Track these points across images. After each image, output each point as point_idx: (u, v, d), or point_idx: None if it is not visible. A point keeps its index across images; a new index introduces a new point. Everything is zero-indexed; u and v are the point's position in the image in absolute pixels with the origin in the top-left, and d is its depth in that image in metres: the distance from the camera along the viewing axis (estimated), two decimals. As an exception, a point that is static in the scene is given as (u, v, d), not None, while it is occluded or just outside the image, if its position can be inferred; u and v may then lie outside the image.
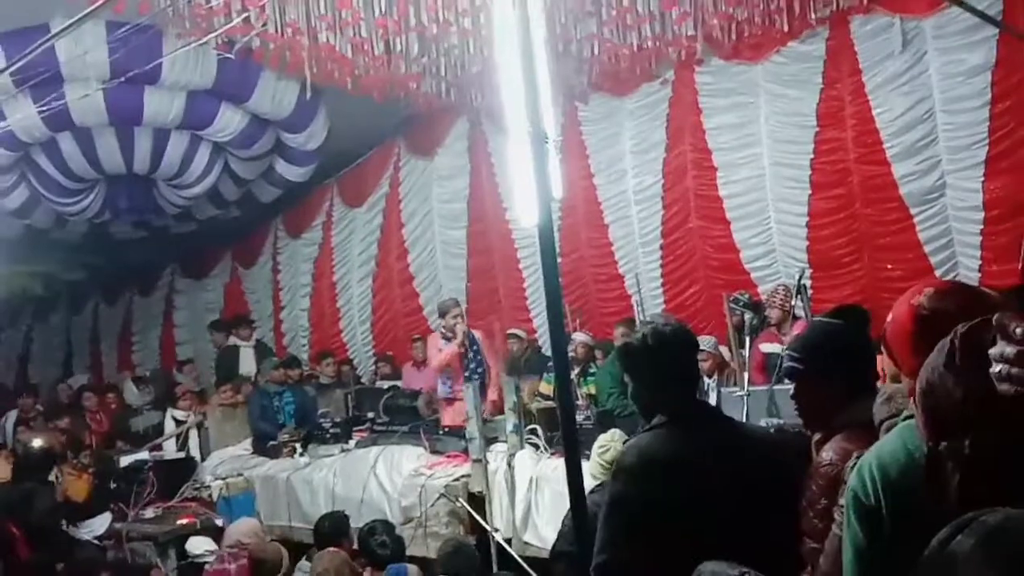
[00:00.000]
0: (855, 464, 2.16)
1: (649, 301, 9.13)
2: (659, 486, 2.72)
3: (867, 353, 2.71)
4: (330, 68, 8.18)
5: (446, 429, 7.68)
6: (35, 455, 7.52)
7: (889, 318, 2.17)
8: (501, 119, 3.84)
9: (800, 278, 6.90)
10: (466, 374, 8.07)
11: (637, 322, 7.93)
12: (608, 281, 9.68)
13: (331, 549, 5.39)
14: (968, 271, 7.43)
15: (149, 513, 7.90)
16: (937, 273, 7.58)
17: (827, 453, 2.57)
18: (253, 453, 8.98)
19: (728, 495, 2.68)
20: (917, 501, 1.70)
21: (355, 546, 5.72)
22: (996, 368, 1.40)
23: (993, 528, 1.25)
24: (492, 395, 7.93)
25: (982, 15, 6.77)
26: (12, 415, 11.20)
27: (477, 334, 8.49)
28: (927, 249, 7.70)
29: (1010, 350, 1.38)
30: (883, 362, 2.48)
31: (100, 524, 7.57)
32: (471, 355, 8.25)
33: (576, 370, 7.91)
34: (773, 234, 8.59)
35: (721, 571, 2.30)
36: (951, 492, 1.52)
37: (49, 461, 7.61)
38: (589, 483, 4.19)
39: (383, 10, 7.26)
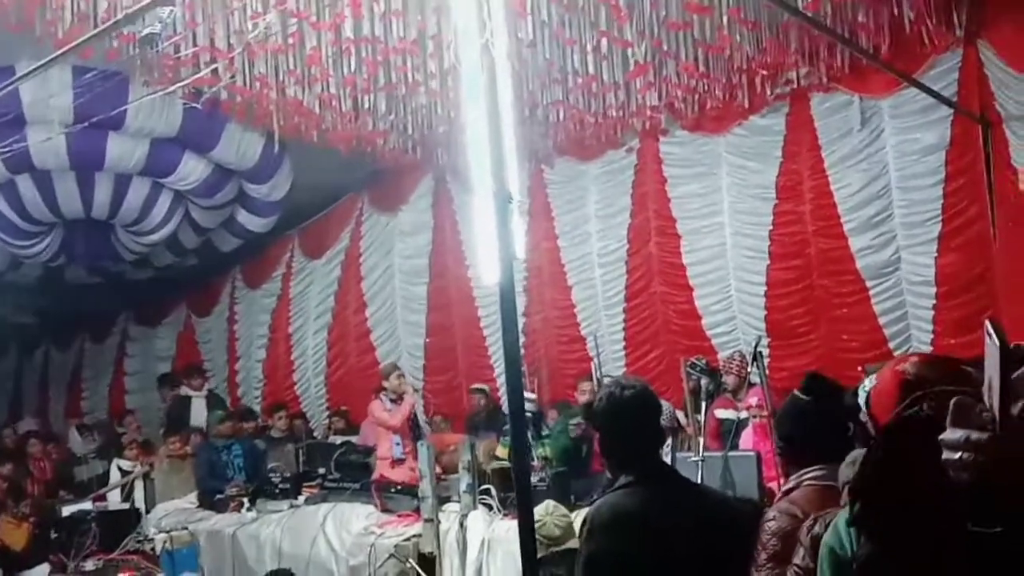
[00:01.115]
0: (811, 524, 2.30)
1: (611, 363, 9.17)
2: (632, 544, 2.82)
3: (839, 422, 2.83)
4: (297, 121, 8.22)
5: (398, 487, 7.58)
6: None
7: (874, 383, 2.29)
8: (466, 178, 3.88)
9: (756, 345, 6.95)
10: (416, 434, 8.04)
11: (594, 381, 7.96)
12: (570, 342, 9.72)
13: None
14: (921, 344, 7.56)
15: (89, 565, 7.71)
16: (891, 345, 7.72)
17: (772, 513, 2.70)
18: (199, 506, 8.78)
19: (692, 556, 2.76)
20: None
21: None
22: (954, 455, 1.36)
23: None
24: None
25: (937, 96, 7.01)
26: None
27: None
28: (882, 321, 7.83)
29: (977, 436, 1.34)
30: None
31: (38, 575, 7.34)
32: (415, 416, 8.26)
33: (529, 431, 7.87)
34: (733, 302, 8.71)
35: None
36: None
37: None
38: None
39: (352, 68, 7.32)
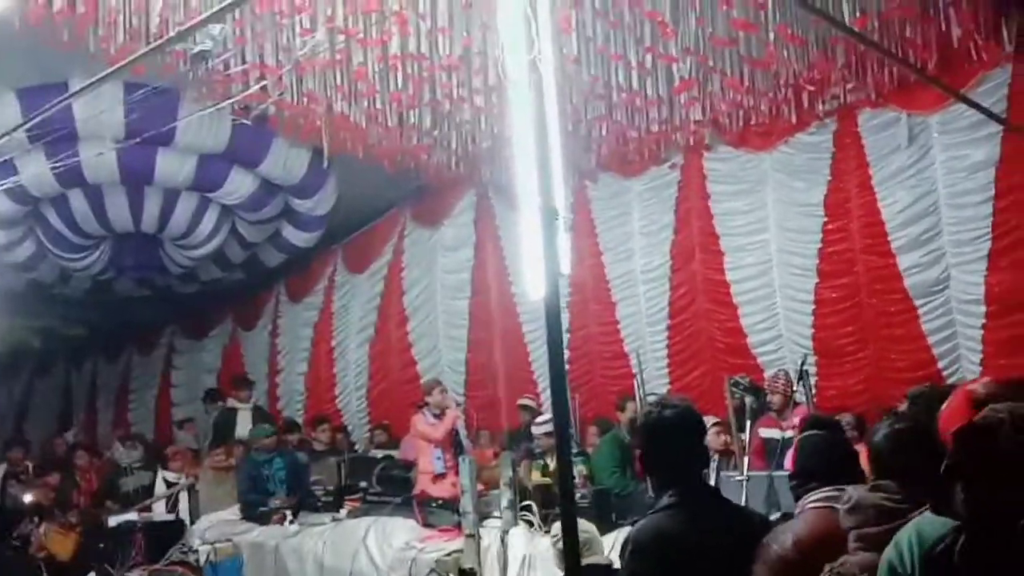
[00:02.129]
0: None
1: (654, 381, 9.12)
2: (673, 566, 2.81)
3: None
4: (343, 137, 8.29)
5: (440, 502, 7.57)
6: (23, 510, 7.41)
7: (944, 407, 2.33)
8: (510, 193, 3.88)
9: (803, 364, 6.90)
10: (457, 449, 8.04)
11: (637, 400, 7.90)
12: (613, 359, 9.68)
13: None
14: (970, 364, 7.43)
15: (135, 575, 7.76)
16: (940, 365, 7.59)
17: (766, 540, 2.75)
18: (243, 518, 8.83)
19: None
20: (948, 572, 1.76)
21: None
22: None
23: None
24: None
25: (987, 112, 6.89)
26: (1, 468, 11.08)
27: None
28: (930, 340, 7.70)
29: None
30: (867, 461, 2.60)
31: (84, 585, 7.45)
32: (457, 431, 8.27)
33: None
34: (780, 320, 8.63)
35: None
36: None
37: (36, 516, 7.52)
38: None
39: (399, 84, 7.38)
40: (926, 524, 2.06)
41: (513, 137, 3.63)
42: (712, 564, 2.76)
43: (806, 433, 3.09)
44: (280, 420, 11.42)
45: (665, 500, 2.95)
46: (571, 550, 3.39)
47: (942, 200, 7.56)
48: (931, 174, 7.60)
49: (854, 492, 2.47)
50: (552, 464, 7.23)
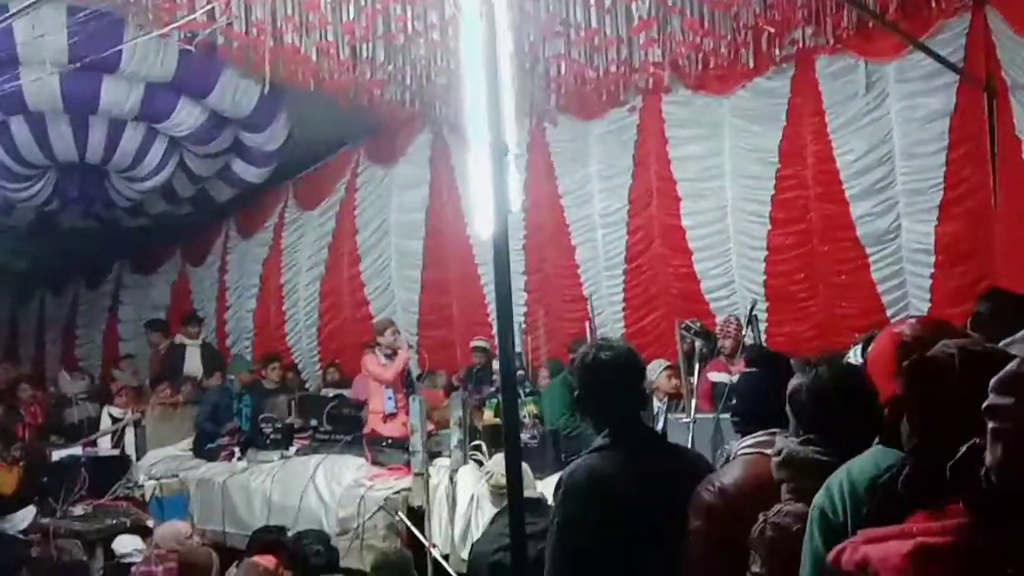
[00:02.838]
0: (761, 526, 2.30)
1: (611, 324, 9.18)
2: (606, 507, 2.77)
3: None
4: (294, 69, 8.08)
5: (389, 441, 7.58)
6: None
7: (871, 347, 2.37)
8: (464, 131, 3.79)
9: (752, 309, 6.96)
10: (408, 389, 8.03)
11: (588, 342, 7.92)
12: (572, 301, 9.66)
13: (258, 558, 5.23)
14: (919, 312, 7.49)
15: (79, 510, 7.68)
16: (888, 313, 7.68)
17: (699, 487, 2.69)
18: (193, 455, 8.79)
19: (668, 520, 2.68)
20: (879, 513, 1.83)
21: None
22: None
23: None
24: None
25: (943, 61, 6.90)
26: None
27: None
28: (880, 288, 7.78)
29: None
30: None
31: (24, 518, 7.34)
32: (409, 372, 8.31)
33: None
34: (733, 266, 8.65)
35: None
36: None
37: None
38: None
39: (351, 16, 7.19)
40: (855, 467, 2.08)
41: (463, 70, 3.52)
42: (647, 505, 2.74)
43: (744, 372, 3.10)
44: (228, 357, 11.33)
45: (599, 441, 2.93)
46: (515, 486, 3.40)
47: (897, 149, 7.56)
48: (886, 123, 7.60)
49: (783, 443, 2.44)
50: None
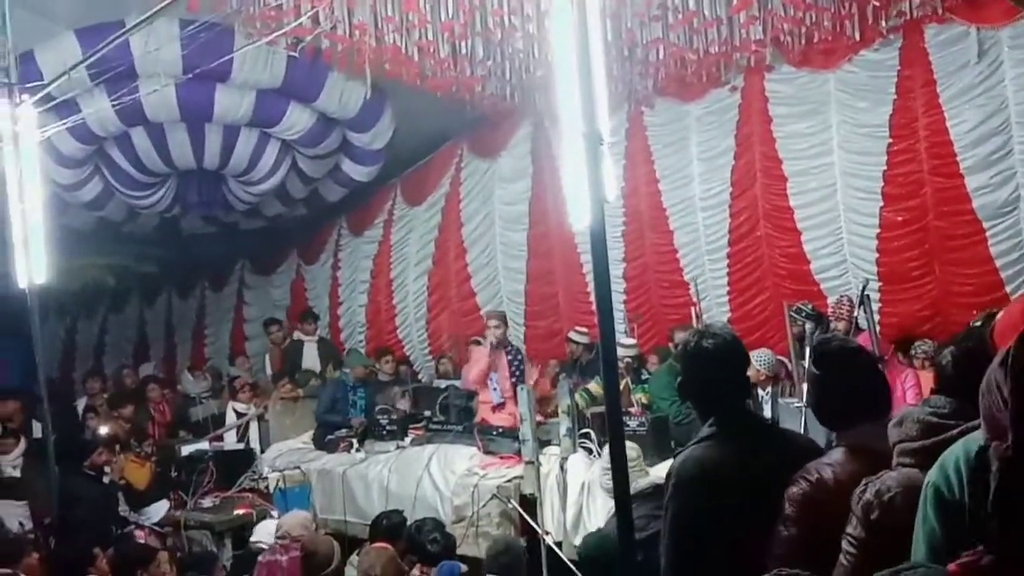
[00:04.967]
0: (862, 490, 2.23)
1: (715, 309, 9.06)
2: (718, 496, 2.77)
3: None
4: (396, 69, 8.25)
5: (500, 430, 7.68)
6: (99, 442, 7.71)
7: (1000, 316, 2.26)
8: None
9: (864, 289, 6.78)
10: (514, 379, 8.10)
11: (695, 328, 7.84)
12: (672, 288, 9.57)
13: (379, 544, 5.41)
14: (1040, 288, 7.21)
15: (207, 502, 8.06)
16: (1007, 289, 7.37)
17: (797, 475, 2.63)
18: (313, 447, 9.08)
19: (776, 506, 2.65)
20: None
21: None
22: None
23: None
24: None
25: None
26: (83, 401, 11.54)
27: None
28: (998, 263, 7.48)
29: None
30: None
31: (158, 511, 7.73)
32: (516, 362, 8.33)
33: (627, 377, 7.84)
34: (844, 245, 8.43)
35: None
36: (991, 494, 1.48)
37: (114, 447, 7.83)
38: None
39: (449, 14, 7.30)
40: (973, 443, 1.93)
41: (555, 59, 3.54)
42: (756, 491, 2.70)
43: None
44: (344, 351, 11.64)
45: (705, 430, 2.93)
46: (620, 476, 3.42)
47: (1013, 118, 7.24)
48: (1001, 91, 7.29)
49: (904, 409, 2.40)
50: (595, 391, 7.28)
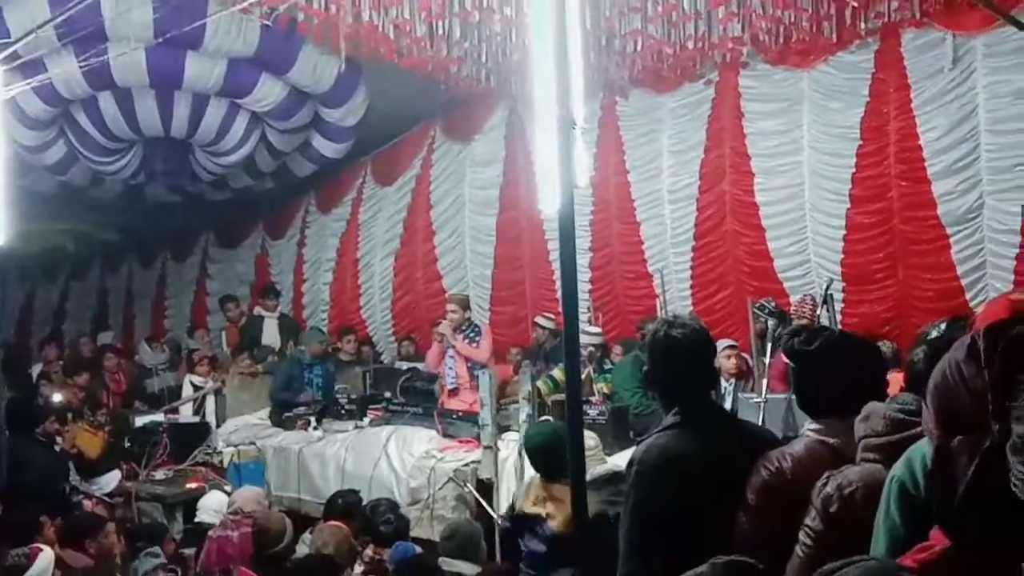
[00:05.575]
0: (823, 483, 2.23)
1: (677, 302, 9.06)
2: (679, 488, 2.77)
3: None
4: (372, 46, 8.16)
5: (460, 414, 7.66)
6: (52, 409, 7.60)
7: (982, 312, 2.20)
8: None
9: (827, 289, 6.84)
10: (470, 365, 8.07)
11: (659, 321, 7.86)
12: (636, 279, 9.59)
13: (332, 523, 5.37)
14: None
15: (160, 474, 7.98)
16: (967, 296, 7.46)
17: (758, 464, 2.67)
18: (270, 423, 9.01)
19: (737, 497, 2.68)
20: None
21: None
22: None
23: None
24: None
25: (1036, 35, 6.64)
26: (38, 368, 11.36)
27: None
28: (960, 270, 7.57)
29: None
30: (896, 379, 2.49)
31: (109, 481, 7.63)
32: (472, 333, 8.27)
33: (590, 366, 7.85)
34: (808, 244, 8.47)
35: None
36: (959, 489, 1.48)
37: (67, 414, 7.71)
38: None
39: (426, -8, 7.25)
40: None
41: (532, 43, 3.52)
42: (718, 481, 2.72)
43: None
44: (305, 329, 11.56)
45: (669, 419, 2.92)
46: (577, 461, 3.41)
47: (982, 126, 7.32)
48: (972, 98, 7.36)
49: (870, 405, 2.41)
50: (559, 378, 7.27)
